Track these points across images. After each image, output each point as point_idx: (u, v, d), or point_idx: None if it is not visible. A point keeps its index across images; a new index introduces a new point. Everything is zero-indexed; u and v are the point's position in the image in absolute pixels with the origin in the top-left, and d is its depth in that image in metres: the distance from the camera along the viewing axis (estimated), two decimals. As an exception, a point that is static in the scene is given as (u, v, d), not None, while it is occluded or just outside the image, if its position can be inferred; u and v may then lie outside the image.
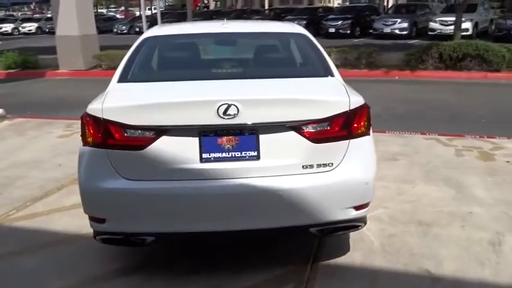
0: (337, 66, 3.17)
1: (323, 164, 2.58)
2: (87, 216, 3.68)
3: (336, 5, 39.07)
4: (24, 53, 14.27)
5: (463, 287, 2.77)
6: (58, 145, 5.84)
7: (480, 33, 17.63)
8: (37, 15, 44.13)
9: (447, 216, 3.62)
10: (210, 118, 2.47)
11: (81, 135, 2.68)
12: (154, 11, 31.08)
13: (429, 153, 5.23)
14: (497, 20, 17.94)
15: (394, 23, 19.55)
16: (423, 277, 2.83)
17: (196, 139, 2.51)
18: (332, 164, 2.59)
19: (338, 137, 2.59)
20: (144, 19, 15.12)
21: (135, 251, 3.16)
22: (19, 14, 50.69)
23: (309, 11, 25.51)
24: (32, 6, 56.34)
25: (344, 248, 3.14)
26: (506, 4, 24.88)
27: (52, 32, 30.48)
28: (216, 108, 2.45)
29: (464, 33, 14.48)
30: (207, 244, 3.19)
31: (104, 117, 2.52)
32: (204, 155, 2.52)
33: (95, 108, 2.58)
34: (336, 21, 21.23)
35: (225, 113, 2.45)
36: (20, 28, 35.08)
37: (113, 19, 35.95)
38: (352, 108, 2.60)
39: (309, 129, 2.55)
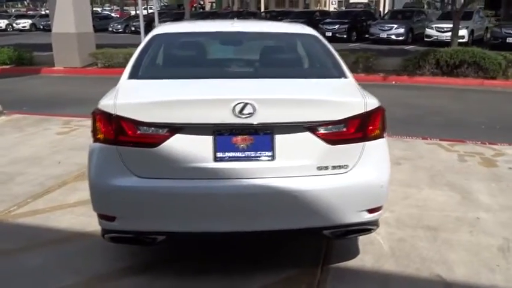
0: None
1: (338, 166, 2.55)
2: (90, 214, 3.65)
3: (331, 9, 39.22)
4: (19, 49, 14.10)
5: (475, 292, 2.76)
6: (57, 142, 5.76)
7: (476, 40, 17.79)
8: (31, 12, 43.78)
9: (454, 221, 3.62)
10: (225, 117, 2.43)
11: (92, 132, 2.62)
12: (150, 11, 30.95)
13: (432, 158, 5.23)
14: (493, 28, 18.13)
15: (391, 28, 19.67)
16: (435, 282, 2.81)
17: (211, 138, 2.47)
18: (347, 166, 2.56)
19: (353, 139, 2.56)
20: (141, 18, 15.01)
21: (143, 250, 3.11)
22: (13, 11, 50.22)
23: (305, 15, 25.54)
24: (26, 3, 55.90)
25: (353, 251, 3.11)
26: (500, 13, 25.12)
27: (46, 29, 30.40)
28: (232, 107, 2.41)
29: (460, 40, 14.58)
30: (217, 244, 3.14)
31: (117, 113, 2.47)
32: (218, 154, 2.48)
33: (107, 104, 2.53)
34: (333, 25, 21.31)
35: (241, 111, 2.42)
36: (14, 24, 34.74)
37: (108, 18, 35.77)
38: (367, 110, 2.58)
39: (325, 130, 2.52)
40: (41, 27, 32.62)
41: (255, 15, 29.35)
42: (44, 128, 6.43)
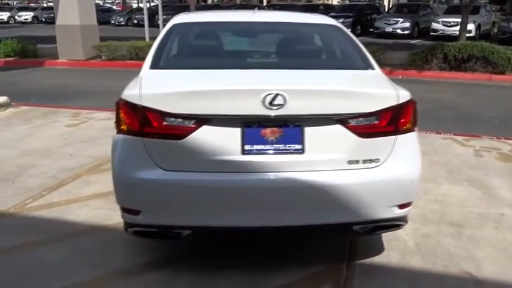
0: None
1: (369, 160, 2.48)
2: (106, 207, 3.61)
3: (335, 2, 38.98)
4: (23, 41, 13.99)
5: (506, 289, 2.69)
6: (66, 134, 5.68)
7: (482, 35, 17.65)
8: (33, 5, 43.51)
9: (478, 217, 3.55)
10: (254, 108, 2.35)
11: (115, 122, 2.54)
12: (152, 4, 30.72)
13: (448, 152, 5.17)
14: (500, 22, 17.98)
15: (396, 22, 19.52)
16: (465, 279, 2.75)
17: (239, 130, 2.39)
18: (378, 159, 2.49)
19: (385, 132, 2.49)
20: (145, 11, 14.94)
21: (162, 244, 3.04)
22: (15, 3, 49.85)
23: (309, 9, 25.37)
24: (28, -5, 55.50)
25: (378, 247, 3.05)
26: (506, 7, 24.96)
27: (48, 22, 30.21)
28: (262, 98, 2.33)
29: (467, 35, 14.46)
30: (240, 239, 3.07)
31: (142, 104, 2.39)
32: (246, 147, 2.40)
33: (132, 94, 2.44)
34: (337, 19, 20.78)
35: (271, 103, 2.33)
36: (16, 17, 34.50)
37: (110, 11, 35.49)
38: (400, 102, 2.50)
39: (356, 123, 2.44)
40: (43, 19, 32.42)
41: (258, 9, 29.10)
42: (52, 120, 6.35)
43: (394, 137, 2.50)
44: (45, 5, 37.09)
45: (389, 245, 3.08)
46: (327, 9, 25.14)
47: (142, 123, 2.40)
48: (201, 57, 3.06)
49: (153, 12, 19.49)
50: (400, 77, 11.25)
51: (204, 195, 2.42)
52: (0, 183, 4.12)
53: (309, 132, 2.42)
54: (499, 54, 10.86)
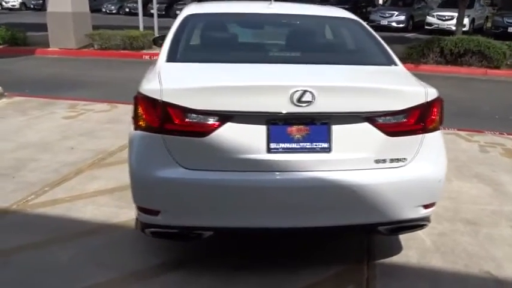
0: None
1: (396, 159, 2.41)
2: (113, 204, 3.50)
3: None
4: (12, 28, 13.60)
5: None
6: (64, 126, 5.52)
7: (476, 29, 17.68)
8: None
9: (491, 214, 3.52)
10: (281, 105, 2.26)
11: (133, 118, 2.43)
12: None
13: (453, 148, 5.12)
14: (494, 17, 18.00)
15: (392, 15, 19.45)
16: (486, 279, 2.71)
17: (264, 127, 2.30)
18: (405, 159, 2.42)
19: (413, 131, 2.42)
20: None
21: (175, 244, 2.94)
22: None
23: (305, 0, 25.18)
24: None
25: (397, 246, 3.00)
26: (497, 2, 25.07)
27: (37, 9, 29.42)
28: (290, 95, 2.24)
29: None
30: (260, 240, 2.99)
31: (163, 99, 2.28)
32: (272, 145, 2.31)
33: (152, 89, 2.33)
34: (332, 11, 20.96)
35: (299, 100, 2.25)
36: (3, 3, 33.60)
37: (101, -2, 34.78)
38: (428, 100, 2.44)
39: (384, 121, 2.37)
40: (32, 6, 31.66)
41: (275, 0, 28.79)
42: (49, 111, 6.16)
43: (421, 135, 2.44)
44: (33, -8, 36.13)
45: (407, 244, 3.03)
46: (323, 2, 24.92)
47: (162, 120, 2.29)
48: (219, 50, 2.95)
49: (147, 1, 19.10)
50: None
51: (228, 195, 2.33)
52: (-1, 178, 3.98)
53: (336, 130, 2.34)
54: (494, 48, 10.89)
